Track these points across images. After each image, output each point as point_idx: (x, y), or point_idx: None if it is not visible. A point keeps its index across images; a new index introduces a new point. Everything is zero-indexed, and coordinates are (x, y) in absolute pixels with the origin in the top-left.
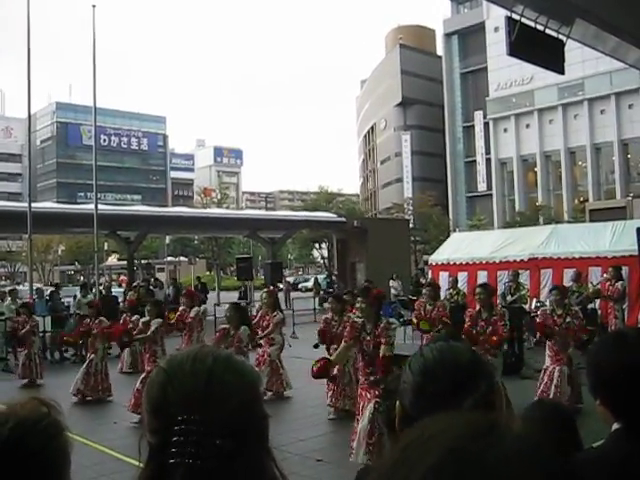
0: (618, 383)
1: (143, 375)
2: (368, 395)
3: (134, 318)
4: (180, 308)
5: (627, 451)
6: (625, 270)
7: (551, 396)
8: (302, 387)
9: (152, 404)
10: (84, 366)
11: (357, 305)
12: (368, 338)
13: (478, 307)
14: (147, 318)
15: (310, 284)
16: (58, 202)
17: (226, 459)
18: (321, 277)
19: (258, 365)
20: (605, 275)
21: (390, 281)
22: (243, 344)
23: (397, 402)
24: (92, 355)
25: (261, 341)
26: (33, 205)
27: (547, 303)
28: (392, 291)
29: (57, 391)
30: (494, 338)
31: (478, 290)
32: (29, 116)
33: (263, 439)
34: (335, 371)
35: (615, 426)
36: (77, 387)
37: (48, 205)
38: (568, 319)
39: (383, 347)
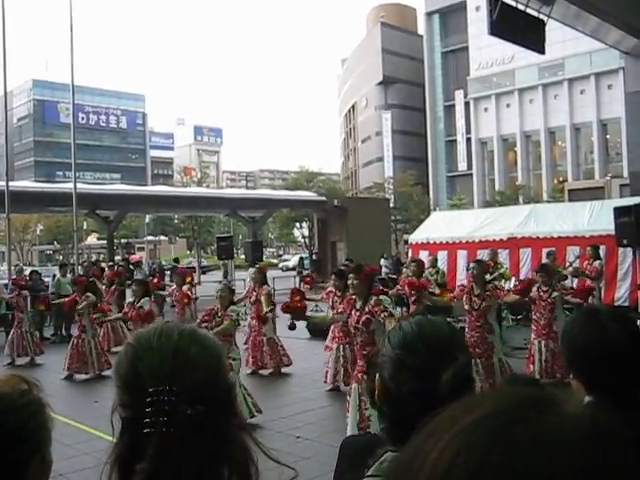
0: (590, 357)
1: None
2: (359, 376)
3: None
4: (172, 287)
5: None
6: (603, 249)
7: (537, 370)
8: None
9: (122, 380)
10: (72, 345)
11: (349, 282)
12: (358, 314)
13: (471, 283)
14: (132, 298)
15: (291, 263)
16: (36, 181)
17: (196, 426)
18: (304, 256)
19: (255, 346)
20: (582, 252)
21: (382, 260)
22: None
23: (377, 375)
24: (82, 334)
25: (253, 320)
26: (11, 184)
27: None
28: (384, 269)
29: (38, 370)
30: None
31: (472, 265)
32: (5, 93)
33: (230, 407)
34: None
35: (587, 399)
36: (73, 367)
37: (26, 184)
38: (555, 294)
39: (387, 321)
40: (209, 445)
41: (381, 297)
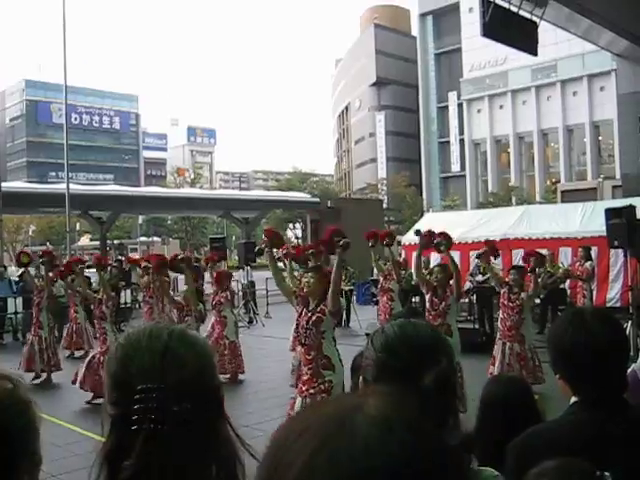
0: (576, 358)
1: (93, 354)
2: (303, 387)
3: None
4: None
5: (581, 419)
6: (594, 250)
7: (497, 371)
8: (273, 366)
9: (112, 378)
10: (35, 343)
11: (305, 280)
12: (309, 314)
13: (434, 286)
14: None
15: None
16: (29, 182)
17: (184, 424)
18: None
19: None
20: (578, 256)
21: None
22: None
23: (360, 377)
24: (40, 330)
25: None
26: (3, 185)
27: None
28: (376, 271)
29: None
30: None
31: (436, 269)
32: None
33: (218, 405)
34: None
35: (573, 399)
36: (29, 366)
37: (18, 185)
38: (522, 295)
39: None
40: (196, 443)
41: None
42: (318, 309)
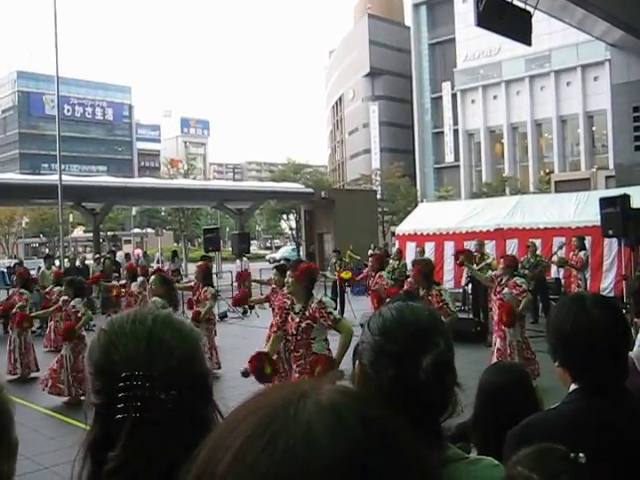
0: (576, 345)
1: (60, 354)
2: None
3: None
4: (122, 282)
5: (581, 405)
6: (588, 240)
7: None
8: None
9: (95, 366)
10: (6, 343)
11: (286, 280)
12: (297, 320)
13: (415, 283)
14: (66, 297)
15: (278, 255)
16: (21, 173)
17: (170, 412)
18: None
19: None
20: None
21: (369, 251)
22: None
23: (357, 362)
24: (10, 331)
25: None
26: None
27: None
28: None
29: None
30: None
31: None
32: None
33: (206, 392)
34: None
35: (573, 386)
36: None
37: (11, 176)
38: (506, 289)
39: (342, 329)
40: (183, 431)
41: (323, 299)
42: (307, 313)
